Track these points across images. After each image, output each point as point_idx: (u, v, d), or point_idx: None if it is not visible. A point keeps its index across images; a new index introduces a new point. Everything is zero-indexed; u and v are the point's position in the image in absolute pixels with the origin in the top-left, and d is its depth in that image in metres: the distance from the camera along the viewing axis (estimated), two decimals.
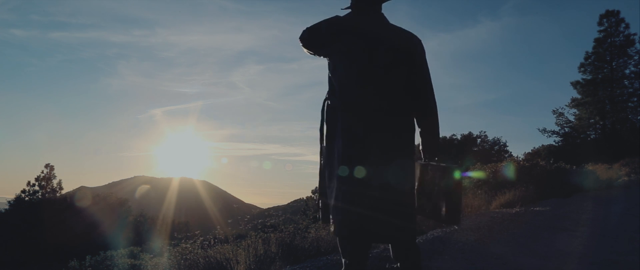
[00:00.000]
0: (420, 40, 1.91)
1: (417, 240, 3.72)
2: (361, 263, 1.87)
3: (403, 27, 1.91)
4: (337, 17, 1.92)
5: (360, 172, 1.74)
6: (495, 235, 4.02)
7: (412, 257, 1.87)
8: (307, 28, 1.92)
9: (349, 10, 1.93)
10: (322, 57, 1.97)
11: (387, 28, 1.90)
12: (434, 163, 1.86)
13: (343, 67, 1.87)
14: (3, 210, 22.38)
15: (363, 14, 1.90)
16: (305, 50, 1.96)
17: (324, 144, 1.91)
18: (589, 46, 27.76)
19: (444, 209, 1.77)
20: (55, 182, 25.52)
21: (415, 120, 1.90)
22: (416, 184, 1.88)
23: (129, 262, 6.89)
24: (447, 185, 1.78)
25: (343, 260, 1.89)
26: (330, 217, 1.85)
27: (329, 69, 1.94)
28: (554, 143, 27.30)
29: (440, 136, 1.91)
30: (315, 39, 1.92)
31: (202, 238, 5.53)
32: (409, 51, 1.86)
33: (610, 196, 8.19)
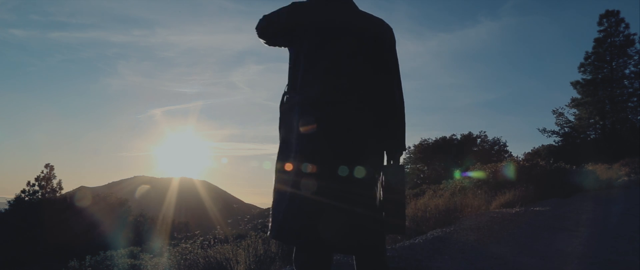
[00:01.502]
0: (391, 28, 1.74)
1: (417, 241, 3.72)
2: None
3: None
4: (299, 3, 1.74)
5: (320, 169, 1.59)
6: (495, 235, 4.02)
7: None
8: (264, 16, 1.75)
9: None
10: (280, 47, 1.81)
11: (356, 15, 1.73)
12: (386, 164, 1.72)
13: (306, 58, 1.68)
14: (3, 210, 22.41)
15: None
16: (261, 40, 1.78)
17: (281, 141, 1.74)
18: (589, 46, 27.83)
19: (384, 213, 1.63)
20: (55, 182, 25.58)
21: (380, 114, 1.72)
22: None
23: (129, 262, 6.89)
24: (384, 185, 1.65)
25: None
26: (270, 219, 1.67)
27: (289, 61, 1.77)
28: (554, 143, 27.35)
29: (407, 134, 1.74)
30: (274, 27, 1.74)
31: (202, 238, 5.53)
32: (379, 40, 1.70)
33: (610, 196, 8.19)
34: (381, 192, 1.67)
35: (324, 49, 1.67)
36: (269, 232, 1.70)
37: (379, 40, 1.70)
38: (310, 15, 1.71)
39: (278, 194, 1.67)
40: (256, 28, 1.77)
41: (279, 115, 1.76)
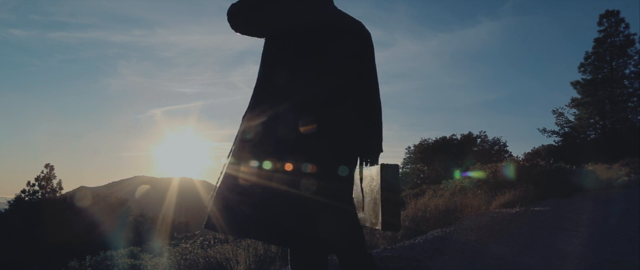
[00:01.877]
0: (370, 33, 1.77)
1: (417, 241, 3.72)
2: None
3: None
4: None
5: (320, 169, 1.58)
6: (495, 235, 4.02)
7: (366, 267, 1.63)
8: (242, 2, 1.63)
9: None
10: (253, 36, 1.73)
11: (343, 16, 1.73)
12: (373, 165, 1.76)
13: (295, 54, 1.64)
14: (3, 210, 22.42)
15: None
16: (231, 25, 1.65)
17: (263, 137, 1.65)
18: (589, 46, 27.92)
19: (380, 212, 1.64)
20: (55, 182, 25.63)
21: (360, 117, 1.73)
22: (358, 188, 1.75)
23: (129, 262, 6.90)
24: (382, 185, 1.67)
25: None
26: (242, 217, 1.56)
27: (267, 53, 1.70)
28: (554, 143, 27.38)
29: (384, 136, 1.78)
30: (256, 14, 1.64)
31: (202, 238, 5.52)
32: (364, 42, 1.72)
33: (610, 196, 8.19)
34: (381, 192, 1.69)
35: (318, 48, 1.64)
36: (236, 231, 1.58)
37: (366, 43, 1.72)
38: (301, 10, 1.67)
39: (263, 192, 1.58)
40: (229, 12, 1.63)
41: (255, 109, 1.66)
